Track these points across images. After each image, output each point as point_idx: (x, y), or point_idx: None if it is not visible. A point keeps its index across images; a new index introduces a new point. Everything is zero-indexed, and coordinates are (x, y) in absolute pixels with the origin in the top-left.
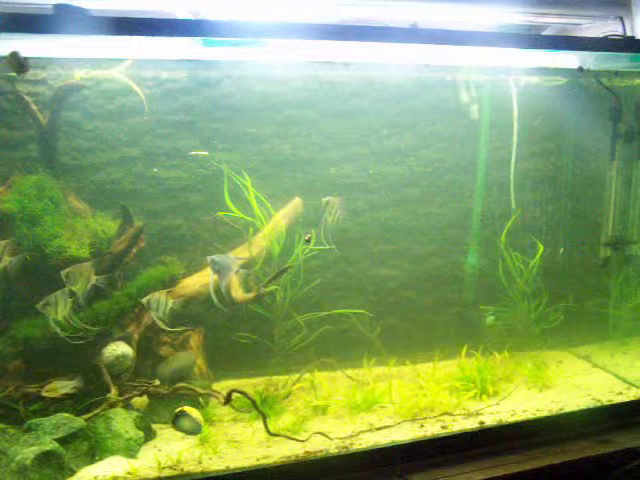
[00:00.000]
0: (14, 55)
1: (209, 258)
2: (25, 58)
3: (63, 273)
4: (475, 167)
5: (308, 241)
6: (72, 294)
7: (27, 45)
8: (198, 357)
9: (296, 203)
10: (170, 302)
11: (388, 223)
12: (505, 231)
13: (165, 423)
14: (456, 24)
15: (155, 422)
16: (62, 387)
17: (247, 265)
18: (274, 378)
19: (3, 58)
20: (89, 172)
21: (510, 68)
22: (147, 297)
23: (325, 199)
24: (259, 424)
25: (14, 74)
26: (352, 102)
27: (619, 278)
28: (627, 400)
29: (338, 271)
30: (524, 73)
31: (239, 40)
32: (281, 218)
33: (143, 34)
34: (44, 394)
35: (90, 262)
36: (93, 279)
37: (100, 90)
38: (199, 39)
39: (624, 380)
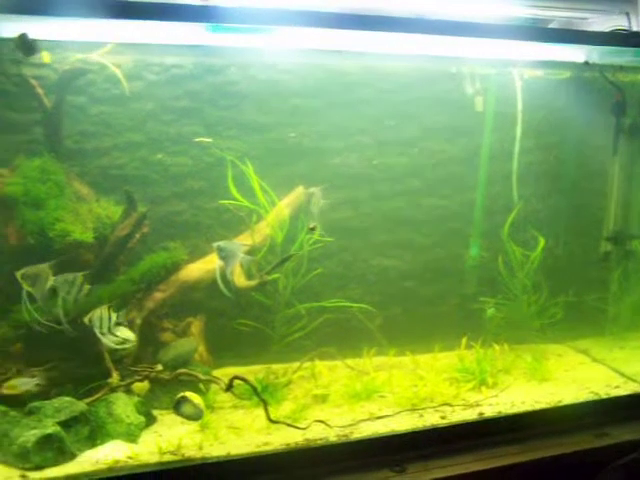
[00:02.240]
0: (22, 37)
1: (215, 244)
2: (34, 40)
3: (19, 274)
4: (478, 159)
5: (313, 229)
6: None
7: (33, 28)
8: (199, 344)
9: (299, 192)
10: (114, 317)
11: (390, 214)
12: (507, 224)
13: (165, 409)
14: (460, 16)
15: (155, 408)
16: (23, 384)
17: (250, 252)
18: (274, 366)
19: (11, 40)
20: (93, 156)
21: (515, 61)
22: (90, 314)
23: (310, 190)
24: (259, 411)
25: (22, 56)
26: (357, 92)
27: (618, 273)
28: (624, 394)
29: (339, 261)
30: (529, 66)
31: (246, 27)
32: (284, 206)
33: (150, 19)
34: (4, 392)
35: (48, 263)
36: (51, 280)
37: (106, 74)
38: (205, 25)
39: (622, 374)
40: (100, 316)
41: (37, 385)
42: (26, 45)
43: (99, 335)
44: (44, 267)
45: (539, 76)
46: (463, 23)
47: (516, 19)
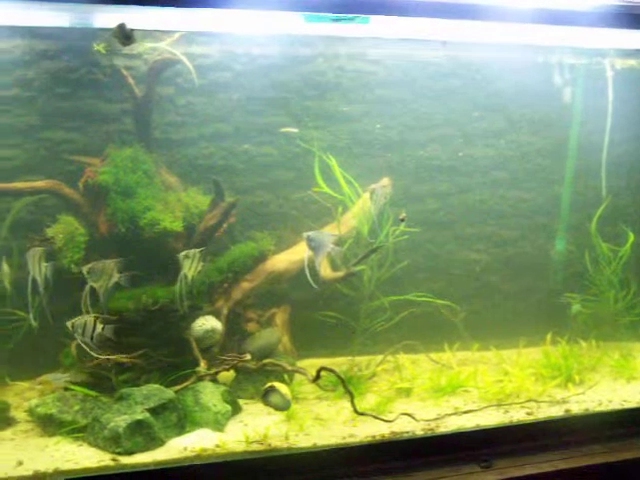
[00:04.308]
0: (121, 27)
1: (305, 235)
2: (131, 30)
3: (85, 269)
4: (565, 152)
5: (403, 220)
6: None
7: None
8: (283, 334)
9: (385, 183)
10: (99, 327)
11: (476, 206)
12: (595, 218)
13: (250, 398)
14: (549, 4)
15: (240, 397)
16: (55, 380)
17: (338, 243)
18: (357, 358)
19: (108, 30)
20: (181, 146)
21: (606, 50)
22: (73, 320)
23: (371, 187)
24: (344, 403)
25: (121, 46)
26: (443, 82)
27: None
28: None
29: (424, 253)
30: (620, 55)
31: (342, 16)
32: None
33: (246, 7)
34: (37, 387)
35: (114, 260)
36: (116, 276)
37: (193, 65)
38: (301, 15)
39: None
40: (84, 324)
41: (68, 382)
42: (124, 35)
43: (80, 342)
44: (110, 263)
45: (632, 65)
46: (551, 10)
47: (607, 6)
